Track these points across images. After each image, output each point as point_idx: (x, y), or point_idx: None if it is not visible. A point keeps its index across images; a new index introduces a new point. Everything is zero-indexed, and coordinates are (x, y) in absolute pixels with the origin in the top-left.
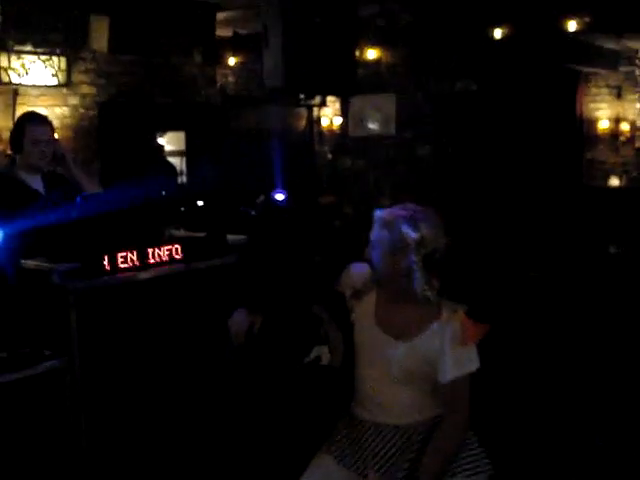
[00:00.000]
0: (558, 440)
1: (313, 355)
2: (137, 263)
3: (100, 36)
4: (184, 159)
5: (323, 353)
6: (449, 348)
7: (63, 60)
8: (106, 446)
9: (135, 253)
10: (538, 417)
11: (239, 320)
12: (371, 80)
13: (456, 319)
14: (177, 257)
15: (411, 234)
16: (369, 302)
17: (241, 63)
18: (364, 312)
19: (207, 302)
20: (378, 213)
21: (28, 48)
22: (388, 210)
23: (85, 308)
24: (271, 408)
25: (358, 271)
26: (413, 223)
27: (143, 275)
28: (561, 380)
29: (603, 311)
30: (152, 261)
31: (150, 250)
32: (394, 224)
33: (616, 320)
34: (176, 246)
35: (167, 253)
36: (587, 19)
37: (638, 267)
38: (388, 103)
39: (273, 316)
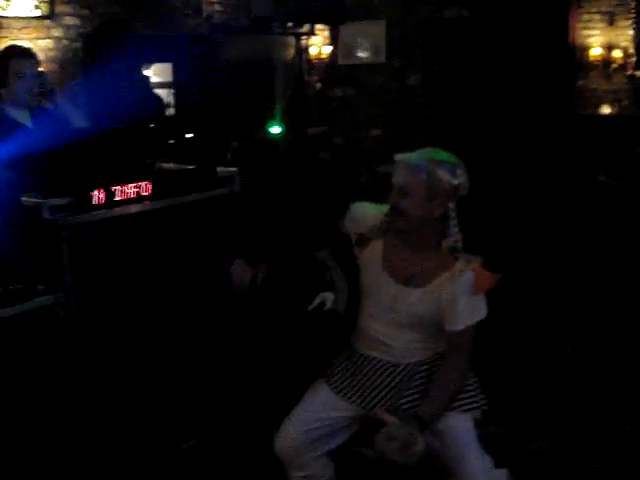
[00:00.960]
0: (553, 376)
1: (317, 302)
2: (129, 196)
3: None
4: (172, 91)
5: (327, 299)
6: (461, 297)
7: None
8: (102, 380)
9: (124, 186)
10: (533, 352)
11: (241, 270)
12: (361, 7)
13: (470, 269)
14: (146, 194)
15: (452, 180)
16: (376, 248)
17: None
18: (371, 258)
19: (201, 234)
20: (403, 156)
21: None
22: (417, 155)
23: (77, 242)
24: (271, 349)
25: (361, 216)
26: (451, 169)
27: (135, 208)
28: (553, 313)
29: (589, 238)
30: (144, 194)
31: (142, 184)
32: (431, 170)
33: (602, 247)
34: (146, 182)
35: (151, 187)
36: None
37: (625, 195)
38: (378, 31)
39: (277, 265)
